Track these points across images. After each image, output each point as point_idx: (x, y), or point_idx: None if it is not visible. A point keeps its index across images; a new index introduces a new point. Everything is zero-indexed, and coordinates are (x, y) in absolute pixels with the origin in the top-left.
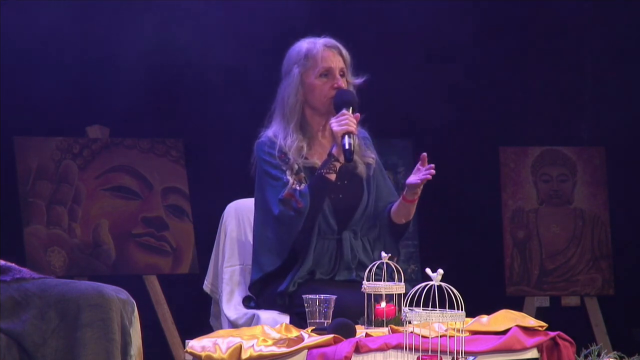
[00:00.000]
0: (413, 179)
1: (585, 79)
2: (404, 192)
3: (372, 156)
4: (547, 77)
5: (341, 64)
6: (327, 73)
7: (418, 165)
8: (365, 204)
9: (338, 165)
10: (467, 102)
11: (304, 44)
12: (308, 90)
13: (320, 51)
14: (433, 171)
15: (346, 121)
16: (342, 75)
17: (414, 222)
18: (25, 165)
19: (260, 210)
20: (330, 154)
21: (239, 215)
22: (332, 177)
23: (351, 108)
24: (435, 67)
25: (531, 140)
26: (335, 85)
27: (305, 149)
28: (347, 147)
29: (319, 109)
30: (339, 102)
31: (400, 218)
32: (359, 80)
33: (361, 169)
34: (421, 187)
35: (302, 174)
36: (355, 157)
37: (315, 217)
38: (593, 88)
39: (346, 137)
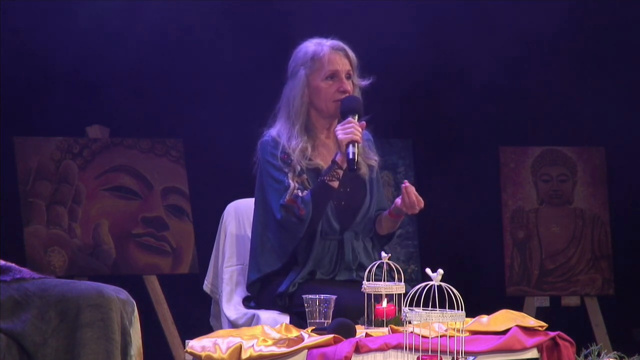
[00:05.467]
0: (401, 203)
1: (585, 79)
2: (391, 208)
3: (375, 158)
4: (547, 77)
5: (347, 67)
6: (333, 75)
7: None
8: (368, 207)
9: (341, 172)
10: (467, 102)
11: (310, 46)
12: (314, 93)
13: (327, 53)
14: (421, 205)
15: (352, 130)
16: (349, 78)
17: (414, 222)
18: (25, 165)
19: (262, 210)
20: (333, 161)
21: (239, 215)
22: (335, 184)
23: (357, 116)
24: (435, 67)
25: (531, 140)
26: (341, 88)
27: (309, 150)
28: (351, 156)
29: (325, 112)
30: (346, 109)
31: (384, 230)
32: (365, 82)
33: (364, 170)
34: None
35: (305, 176)
36: (359, 159)
37: (317, 223)
38: (593, 88)
39: (350, 146)
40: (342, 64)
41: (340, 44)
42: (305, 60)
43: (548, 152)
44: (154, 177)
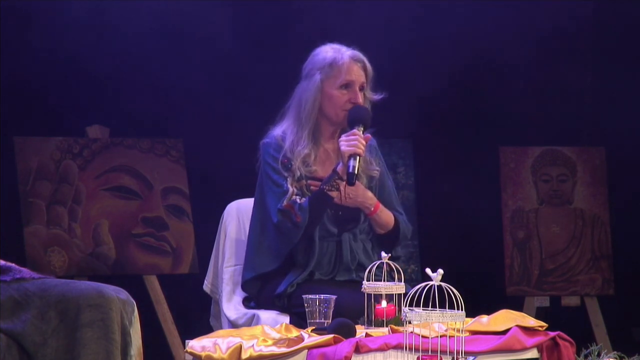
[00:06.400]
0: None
1: (585, 79)
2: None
3: (376, 169)
4: (547, 77)
5: (363, 79)
6: (348, 85)
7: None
8: (365, 217)
9: (341, 183)
10: (467, 102)
11: (329, 51)
12: (326, 99)
13: (346, 63)
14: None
15: (355, 142)
16: (361, 90)
17: (414, 222)
18: (25, 165)
19: (260, 211)
20: (334, 171)
21: (239, 215)
22: (334, 194)
23: (363, 127)
24: (435, 67)
25: (531, 140)
26: (353, 99)
27: (312, 157)
28: (350, 170)
29: (332, 119)
30: (353, 119)
31: (377, 229)
32: (377, 97)
33: (364, 182)
34: (364, 204)
35: (304, 182)
36: (359, 172)
37: (313, 230)
38: (593, 88)
39: (352, 159)
40: (358, 75)
41: (360, 55)
42: (323, 65)
43: (548, 152)
44: (154, 177)
